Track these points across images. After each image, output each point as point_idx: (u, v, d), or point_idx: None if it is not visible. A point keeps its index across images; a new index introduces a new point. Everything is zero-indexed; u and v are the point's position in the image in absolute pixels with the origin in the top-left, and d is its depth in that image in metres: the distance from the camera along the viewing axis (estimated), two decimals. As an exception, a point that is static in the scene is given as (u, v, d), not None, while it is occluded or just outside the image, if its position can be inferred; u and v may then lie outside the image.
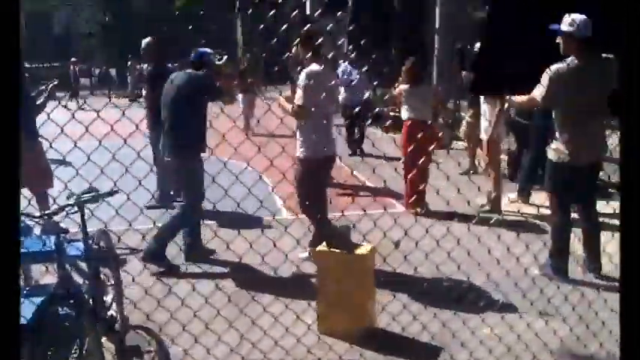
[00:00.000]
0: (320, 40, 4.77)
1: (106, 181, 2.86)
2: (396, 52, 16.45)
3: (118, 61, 33.64)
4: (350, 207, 4.49)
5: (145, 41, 7.01)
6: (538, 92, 4.36)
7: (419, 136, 5.94)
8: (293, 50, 4.88)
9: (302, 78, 4.70)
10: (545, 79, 4.26)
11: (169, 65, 7.30)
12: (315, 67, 4.75)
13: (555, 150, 4.57)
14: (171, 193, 7.04)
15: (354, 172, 8.56)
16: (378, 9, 19.95)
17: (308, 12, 22.60)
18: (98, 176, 2.78)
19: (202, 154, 5.16)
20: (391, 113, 12.56)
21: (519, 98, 4.76)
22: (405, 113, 6.94)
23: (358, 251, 3.89)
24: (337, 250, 3.88)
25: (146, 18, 32.53)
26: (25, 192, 5.36)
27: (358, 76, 10.53)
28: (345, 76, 10.60)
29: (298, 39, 4.84)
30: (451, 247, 3.58)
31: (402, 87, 6.98)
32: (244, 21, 31.57)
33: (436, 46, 10.89)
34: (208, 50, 5.56)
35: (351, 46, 14.90)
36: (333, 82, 4.99)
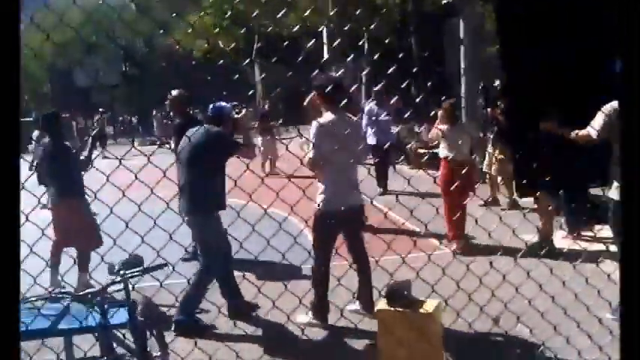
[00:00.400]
0: (333, 88, 4.62)
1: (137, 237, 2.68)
2: (420, 91, 16.40)
3: (140, 110, 34.26)
4: (389, 251, 4.21)
5: (171, 93, 6.95)
6: (593, 129, 4.23)
7: (459, 174, 6.10)
8: (306, 100, 4.80)
9: (312, 130, 4.60)
10: (600, 117, 4.17)
11: (197, 117, 7.32)
12: (327, 117, 4.65)
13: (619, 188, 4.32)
14: None
15: (390, 213, 8.28)
16: (395, 52, 20.02)
17: (326, 56, 22.83)
18: (139, 245, 2.60)
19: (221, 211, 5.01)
20: (420, 150, 12.42)
21: (574, 134, 4.54)
22: (443, 152, 6.94)
23: (424, 308, 3.54)
24: (400, 309, 3.55)
25: (167, 68, 33.16)
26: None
27: (385, 116, 10.46)
28: (373, 117, 10.48)
29: (314, 88, 4.76)
30: (511, 296, 3.28)
31: (441, 127, 7.03)
32: (262, 67, 31.96)
33: (462, 85, 10.74)
34: (225, 104, 5.41)
35: (376, 87, 14.93)
36: (349, 131, 4.66)
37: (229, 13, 28.29)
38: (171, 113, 7.46)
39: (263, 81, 32.53)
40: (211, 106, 5.34)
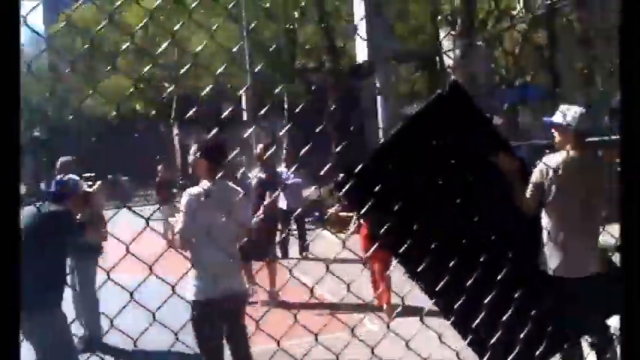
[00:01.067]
0: (212, 152, 3.94)
1: None
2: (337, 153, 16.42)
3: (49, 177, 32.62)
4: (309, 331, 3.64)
5: (59, 160, 6.45)
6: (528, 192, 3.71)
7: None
8: (190, 161, 4.16)
9: (182, 200, 3.89)
10: (535, 174, 3.71)
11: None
12: (202, 185, 3.89)
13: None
14: None
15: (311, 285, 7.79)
16: (313, 116, 20.15)
17: (245, 117, 22.66)
18: None
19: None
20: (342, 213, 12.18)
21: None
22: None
23: None
24: None
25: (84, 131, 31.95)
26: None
27: (295, 180, 10.38)
28: (282, 181, 10.09)
29: (196, 150, 4.06)
30: None
31: None
32: (181, 128, 31.43)
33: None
34: (73, 177, 4.62)
35: (285, 151, 14.77)
36: (228, 201, 3.88)
37: (144, 75, 27.80)
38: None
39: (180, 142, 31.98)
40: (55, 179, 4.59)
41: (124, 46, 26.73)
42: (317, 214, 13.92)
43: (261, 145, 8.48)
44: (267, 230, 7.40)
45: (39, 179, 34.08)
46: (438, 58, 17.62)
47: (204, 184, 3.90)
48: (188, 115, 24.95)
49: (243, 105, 22.16)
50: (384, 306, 6.53)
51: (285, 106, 20.24)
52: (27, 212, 4.05)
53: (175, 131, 32.50)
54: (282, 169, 10.77)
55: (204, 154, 3.95)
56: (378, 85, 10.13)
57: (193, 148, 4.10)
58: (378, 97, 10.60)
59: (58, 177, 4.49)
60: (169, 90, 29.59)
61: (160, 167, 15.19)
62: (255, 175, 8.35)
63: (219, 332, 3.92)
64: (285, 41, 19.87)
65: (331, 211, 12.52)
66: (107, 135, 29.26)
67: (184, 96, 29.15)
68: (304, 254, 10.40)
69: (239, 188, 4.11)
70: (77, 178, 4.53)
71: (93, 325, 6.11)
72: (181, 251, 3.75)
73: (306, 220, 13.56)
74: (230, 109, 23.81)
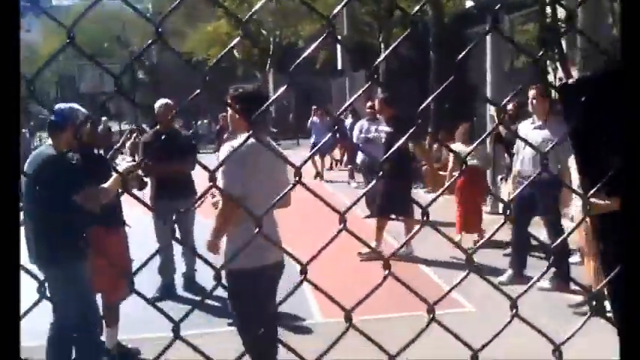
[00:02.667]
0: (249, 102, 3.30)
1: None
2: (437, 106, 15.75)
3: (145, 119, 33.85)
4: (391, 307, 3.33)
5: (157, 103, 6.07)
6: None
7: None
8: (221, 118, 3.50)
9: (221, 156, 3.45)
10: None
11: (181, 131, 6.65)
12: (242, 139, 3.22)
13: None
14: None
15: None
16: (412, 63, 19.42)
17: (339, 66, 22.28)
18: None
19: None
20: (439, 171, 11.65)
21: None
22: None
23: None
24: None
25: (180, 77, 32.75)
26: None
27: (378, 133, 8.76)
28: (362, 134, 9.31)
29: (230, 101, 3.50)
30: None
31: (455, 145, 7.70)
32: (277, 77, 31.46)
33: (488, 112, 10.04)
34: (76, 106, 4.07)
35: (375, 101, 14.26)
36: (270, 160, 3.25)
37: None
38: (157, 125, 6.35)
39: (276, 92, 32.09)
40: (57, 107, 4.04)
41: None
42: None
43: (381, 96, 7.65)
44: (402, 185, 6.99)
45: (139, 123, 35.53)
46: (550, 9, 16.32)
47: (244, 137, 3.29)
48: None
49: (339, 54, 21.77)
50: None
51: (382, 55, 19.60)
52: (32, 157, 3.78)
53: (270, 80, 32.59)
54: (361, 122, 9.93)
55: (242, 104, 3.33)
56: (488, 35, 9.39)
57: (230, 95, 3.49)
58: (488, 50, 9.87)
59: (59, 105, 4.01)
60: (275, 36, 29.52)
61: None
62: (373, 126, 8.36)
63: (271, 299, 3.39)
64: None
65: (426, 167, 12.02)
66: (205, 80, 29.71)
67: (281, 44, 29.07)
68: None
69: (276, 146, 3.55)
70: (80, 108, 4.08)
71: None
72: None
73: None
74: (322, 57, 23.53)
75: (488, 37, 9.64)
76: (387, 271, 1.14)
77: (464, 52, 1.18)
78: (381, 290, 1.13)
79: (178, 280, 6.02)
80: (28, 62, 36.32)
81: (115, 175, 3.85)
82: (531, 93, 5.96)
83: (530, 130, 5.95)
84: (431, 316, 1.16)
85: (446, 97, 14.55)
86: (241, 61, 31.80)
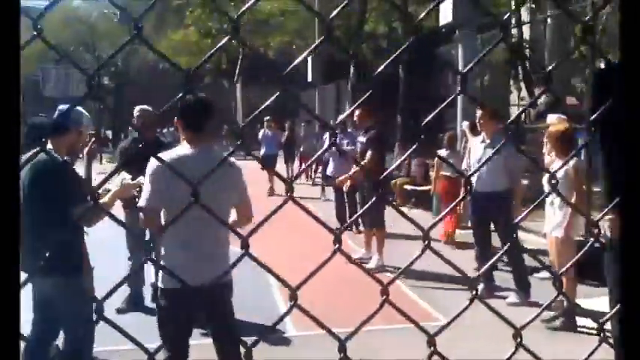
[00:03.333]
0: (193, 111, 3.16)
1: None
2: (404, 119, 15.88)
3: (115, 125, 33.29)
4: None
5: (136, 109, 5.86)
6: None
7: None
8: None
9: (148, 168, 3.13)
10: None
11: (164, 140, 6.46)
12: (178, 150, 3.18)
13: None
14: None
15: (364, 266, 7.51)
16: (382, 75, 19.53)
17: (309, 79, 22.31)
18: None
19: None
20: (406, 186, 11.69)
21: None
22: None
23: None
24: None
25: (146, 83, 32.36)
26: None
27: (349, 146, 8.79)
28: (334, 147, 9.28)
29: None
30: None
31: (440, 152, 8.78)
32: (245, 87, 31.35)
33: (459, 115, 10.03)
34: (80, 109, 3.85)
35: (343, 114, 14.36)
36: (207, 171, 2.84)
37: (212, 31, 27.73)
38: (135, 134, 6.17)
39: (244, 102, 31.96)
40: (60, 108, 3.84)
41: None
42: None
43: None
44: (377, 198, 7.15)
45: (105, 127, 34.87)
46: (517, 30, 16.67)
47: (181, 148, 3.19)
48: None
49: (309, 66, 21.81)
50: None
51: (352, 69, 19.69)
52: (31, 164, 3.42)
53: (239, 89, 32.45)
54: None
55: (185, 113, 3.19)
56: (460, 55, 9.51)
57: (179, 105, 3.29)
58: (460, 67, 9.96)
59: (62, 107, 3.87)
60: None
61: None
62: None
63: (188, 330, 3.23)
64: (356, 4, 19.21)
65: (398, 180, 12.00)
66: (173, 87, 29.47)
67: (251, 54, 28.99)
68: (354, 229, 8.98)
69: (232, 159, 3.25)
70: (84, 111, 3.87)
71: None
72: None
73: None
74: (295, 68, 23.53)
75: (459, 55, 9.75)
76: (383, 297, 1.08)
77: (470, 66, 1.15)
78: (367, 303, 1.09)
79: (147, 290, 5.76)
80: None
81: (113, 190, 3.61)
82: (479, 113, 6.27)
83: (479, 145, 6.30)
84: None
85: (414, 111, 14.69)
86: (211, 70, 31.60)
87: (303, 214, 1.18)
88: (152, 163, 3.08)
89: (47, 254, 3.31)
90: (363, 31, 20.13)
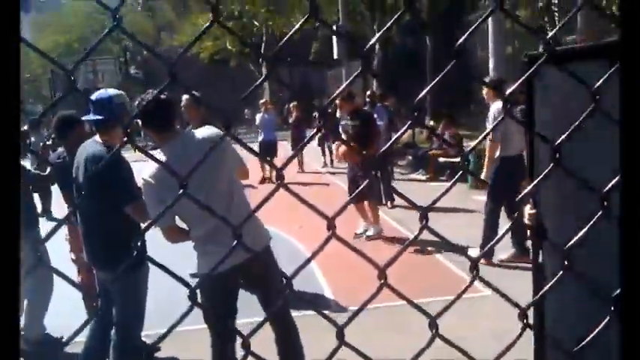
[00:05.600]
0: (153, 114, 3.05)
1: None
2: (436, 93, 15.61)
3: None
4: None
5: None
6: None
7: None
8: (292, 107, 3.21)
9: (141, 183, 3.10)
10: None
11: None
12: (151, 167, 3.01)
13: None
14: None
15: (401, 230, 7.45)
16: (408, 49, 19.27)
17: (335, 56, 22.11)
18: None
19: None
20: (440, 158, 11.58)
21: None
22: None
23: None
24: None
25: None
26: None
27: (380, 120, 8.96)
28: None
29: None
30: None
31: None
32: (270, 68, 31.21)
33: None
34: (118, 92, 3.62)
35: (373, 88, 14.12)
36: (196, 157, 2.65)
37: (235, 13, 27.66)
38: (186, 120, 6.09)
39: (271, 83, 31.90)
40: (96, 95, 3.56)
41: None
42: (410, 157, 13.27)
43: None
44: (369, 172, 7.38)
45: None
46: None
47: (162, 151, 3.08)
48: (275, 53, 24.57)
49: (334, 44, 21.60)
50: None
51: (377, 45, 19.43)
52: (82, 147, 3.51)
53: (264, 71, 32.38)
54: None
55: (143, 119, 3.09)
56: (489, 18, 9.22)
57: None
58: (490, 34, 9.71)
59: (101, 93, 3.57)
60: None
61: (292, 106, 15.28)
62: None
63: (233, 310, 3.27)
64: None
65: (432, 152, 11.81)
66: (199, 72, 29.53)
67: (275, 35, 28.87)
68: (389, 203, 9.06)
69: (205, 132, 3.17)
70: (122, 94, 3.65)
71: None
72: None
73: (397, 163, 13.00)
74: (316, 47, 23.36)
75: (489, 22, 9.49)
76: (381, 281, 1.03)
77: (464, 37, 1.07)
78: (392, 279, 1.04)
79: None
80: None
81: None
82: (484, 91, 6.52)
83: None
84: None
85: (444, 85, 14.43)
86: (234, 53, 31.58)
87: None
88: (144, 183, 3.02)
89: (109, 245, 3.43)
90: (385, 4, 19.81)
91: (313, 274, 5.83)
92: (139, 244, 3.42)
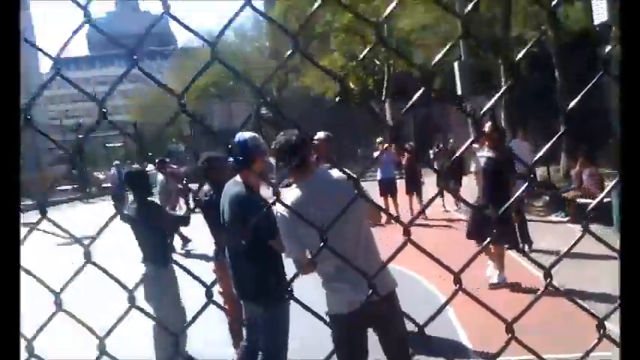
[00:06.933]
0: (288, 151, 3.24)
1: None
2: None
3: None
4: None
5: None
6: None
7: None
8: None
9: (278, 218, 3.24)
10: None
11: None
12: (291, 194, 3.18)
13: None
14: None
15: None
16: (537, 80, 18.60)
17: (459, 91, 21.82)
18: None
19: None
20: (580, 199, 10.58)
21: None
22: None
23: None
24: None
25: (300, 111, 33.55)
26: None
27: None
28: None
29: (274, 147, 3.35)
30: None
31: None
32: (393, 106, 31.41)
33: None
34: (254, 135, 3.90)
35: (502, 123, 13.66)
36: (328, 196, 3.04)
37: (357, 53, 28.25)
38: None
39: (392, 120, 32.01)
40: (237, 137, 3.83)
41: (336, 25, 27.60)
42: (547, 197, 12.50)
43: (489, 124, 7.59)
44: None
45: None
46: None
47: (292, 192, 3.23)
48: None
49: (457, 79, 21.31)
50: None
51: (502, 79, 18.93)
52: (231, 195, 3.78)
53: (387, 108, 32.61)
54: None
55: (280, 157, 3.30)
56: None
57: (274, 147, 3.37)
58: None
59: (243, 135, 3.84)
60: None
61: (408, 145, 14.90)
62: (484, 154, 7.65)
63: (364, 350, 3.34)
64: (500, 9, 18.53)
65: (569, 194, 11.04)
66: (322, 111, 30.36)
67: (397, 73, 29.11)
68: (526, 247, 8.30)
69: (338, 173, 3.26)
70: (256, 136, 3.93)
71: None
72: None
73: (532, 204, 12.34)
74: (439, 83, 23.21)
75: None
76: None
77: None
78: (534, 328, 1.04)
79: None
80: (163, 104, 39.12)
81: None
82: None
83: None
84: None
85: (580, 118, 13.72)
86: (356, 91, 32.15)
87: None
88: (280, 217, 3.20)
89: (255, 278, 3.68)
90: (510, 37, 19.33)
91: (449, 319, 5.69)
92: (286, 279, 3.76)
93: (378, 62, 30.50)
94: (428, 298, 6.33)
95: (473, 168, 7.75)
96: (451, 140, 19.25)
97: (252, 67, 37.59)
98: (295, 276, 3.12)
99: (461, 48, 18.92)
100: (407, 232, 1.01)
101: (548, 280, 1.07)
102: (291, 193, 3.20)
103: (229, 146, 3.79)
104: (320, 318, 1.05)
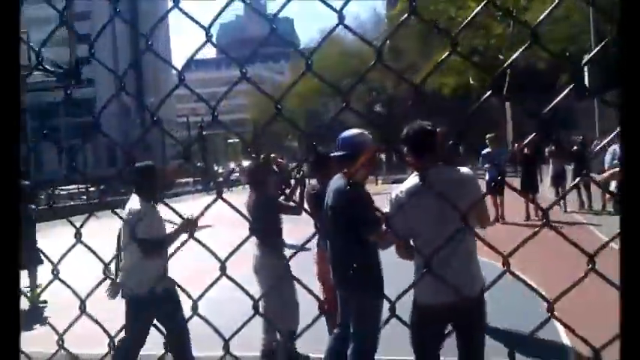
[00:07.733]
0: (418, 139, 3.30)
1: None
2: None
3: (388, 148, 34.89)
4: None
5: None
6: None
7: None
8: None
9: (392, 197, 3.31)
10: None
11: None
12: (410, 181, 3.27)
13: None
14: None
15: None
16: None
17: (587, 86, 20.55)
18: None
19: None
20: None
21: None
22: None
23: None
24: None
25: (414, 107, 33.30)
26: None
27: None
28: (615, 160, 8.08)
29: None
30: None
31: None
32: (514, 103, 30.19)
33: None
34: (361, 131, 4.04)
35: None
36: (450, 191, 2.82)
37: (478, 47, 27.45)
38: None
39: (513, 119, 30.80)
40: (344, 133, 4.01)
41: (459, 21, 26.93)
42: None
43: None
44: None
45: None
46: None
47: (412, 179, 3.28)
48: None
49: (585, 76, 20.08)
50: None
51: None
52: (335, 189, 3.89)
53: (508, 105, 31.41)
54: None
55: (412, 142, 3.29)
56: None
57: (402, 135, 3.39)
58: None
59: (349, 133, 4.02)
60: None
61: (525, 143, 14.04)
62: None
63: (440, 343, 3.32)
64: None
65: None
66: (441, 108, 29.83)
67: (519, 68, 27.95)
68: None
69: (463, 169, 3.33)
70: (364, 133, 4.06)
71: None
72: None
73: None
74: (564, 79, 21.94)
75: None
76: None
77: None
78: None
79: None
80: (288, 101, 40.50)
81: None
82: None
83: None
84: None
85: None
86: (476, 87, 31.25)
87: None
88: (396, 194, 3.28)
89: (353, 269, 3.77)
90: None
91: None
92: (381, 272, 3.85)
93: (501, 57, 29.41)
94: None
95: (607, 163, 7.19)
96: (579, 137, 17.65)
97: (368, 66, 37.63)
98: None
99: (591, 40, 17.84)
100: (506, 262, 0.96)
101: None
102: (412, 179, 3.26)
103: (338, 141, 3.94)
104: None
